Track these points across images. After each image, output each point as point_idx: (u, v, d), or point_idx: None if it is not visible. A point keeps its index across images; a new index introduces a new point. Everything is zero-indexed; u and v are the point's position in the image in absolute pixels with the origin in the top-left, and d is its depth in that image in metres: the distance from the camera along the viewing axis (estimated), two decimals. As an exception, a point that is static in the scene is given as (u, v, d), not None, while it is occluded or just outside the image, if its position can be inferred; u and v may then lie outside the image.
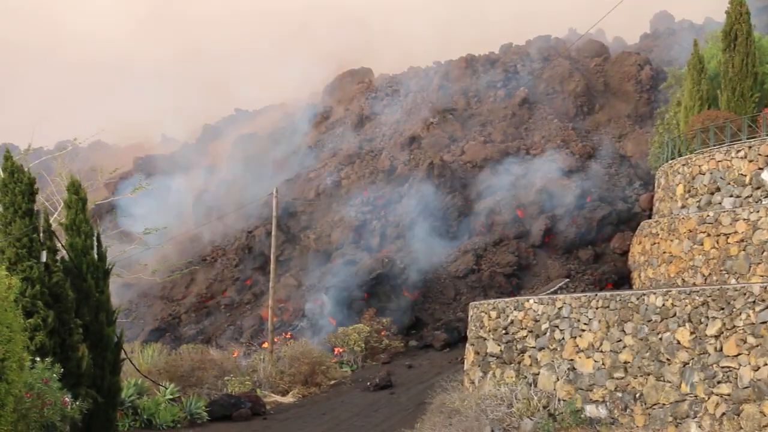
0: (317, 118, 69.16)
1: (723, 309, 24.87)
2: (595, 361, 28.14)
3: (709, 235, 35.44)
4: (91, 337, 25.97)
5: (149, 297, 56.13)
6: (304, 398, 38.78)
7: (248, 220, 57.76)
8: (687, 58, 46.84)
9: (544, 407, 28.16)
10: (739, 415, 23.94)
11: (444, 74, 68.61)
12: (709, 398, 24.78)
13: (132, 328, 51.54)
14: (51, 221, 28.23)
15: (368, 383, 39.51)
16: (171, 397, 34.23)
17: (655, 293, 27.06)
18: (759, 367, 23.73)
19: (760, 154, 35.81)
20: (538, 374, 29.68)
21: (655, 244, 40.75)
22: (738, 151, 36.82)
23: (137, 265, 45.08)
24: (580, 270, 49.93)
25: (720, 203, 37.23)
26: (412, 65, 72.36)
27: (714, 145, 39.03)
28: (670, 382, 25.85)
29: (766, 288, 24.09)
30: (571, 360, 28.81)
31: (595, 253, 51.24)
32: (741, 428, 23.84)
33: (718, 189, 37.54)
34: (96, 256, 27.01)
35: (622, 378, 27.25)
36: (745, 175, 36.28)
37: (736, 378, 24.20)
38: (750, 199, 35.85)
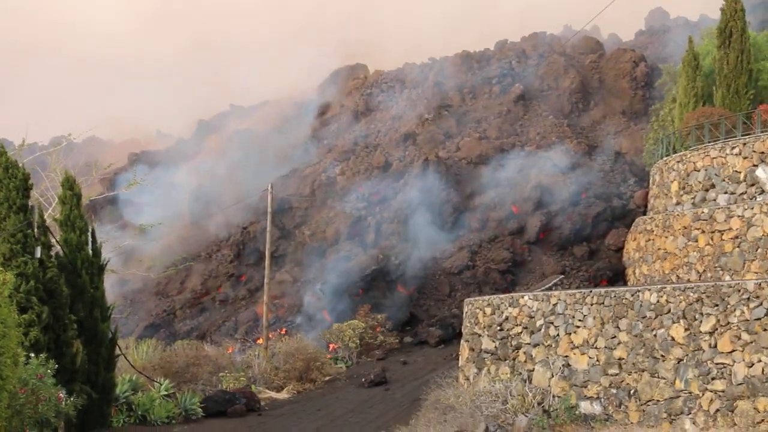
0: (313, 114, 69.14)
1: (717, 305, 24.92)
2: (590, 358, 28.17)
3: (703, 231, 35.49)
4: (85, 333, 25.97)
5: (144, 293, 56.10)
6: (298, 394, 38.79)
7: (243, 215, 57.74)
8: (682, 54, 46.84)
9: (539, 403, 28.19)
10: (733, 411, 23.99)
11: (439, 70, 68.60)
12: (703, 395, 24.83)
13: (127, 324, 51.49)
14: (45, 217, 28.17)
15: (363, 379, 39.51)
16: (165, 393, 34.21)
17: (649, 290, 27.10)
18: (753, 364, 23.78)
19: (754, 151, 35.85)
20: (532, 370, 29.71)
21: (649, 240, 40.80)
22: (733, 148, 36.87)
23: (133, 260, 45.05)
24: (575, 266, 49.96)
25: (714, 200, 37.27)
26: (415, 61, 72.36)
27: (709, 142, 39.06)
28: (664, 378, 25.90)
29: (760, 285, 24.14)
30: (566, 356, 28.84)
31: (590, 249, 51.26)
32: (735, 424, 23.89)
33: (713, 186, 37.58)
34: (90, 251, 26.98)
35: (617, 374, 27.29)
36: (740, 172, 36.32)
37: (730, 374, 24.25)
38: (744, 196, 35.90)
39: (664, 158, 42.60)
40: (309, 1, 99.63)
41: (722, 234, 34.49)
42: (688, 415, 25.11)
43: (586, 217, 51.78)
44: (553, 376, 29.02)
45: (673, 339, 25.86)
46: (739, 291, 24.50)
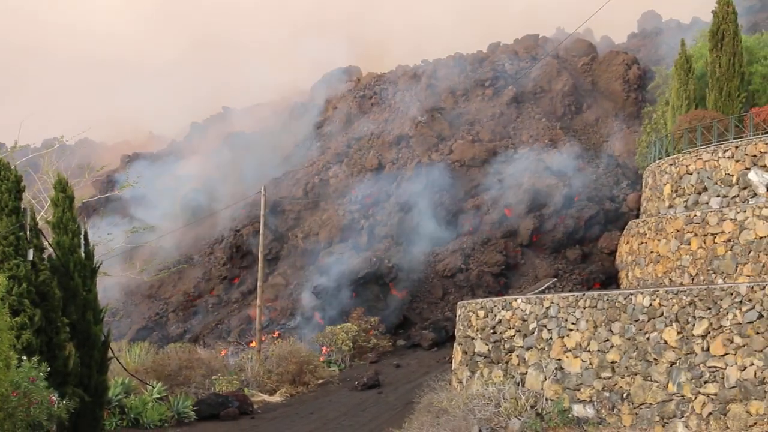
0: (306, 116, 69.11)
1: (710, 309, 24.96)
2: (583, 361, 28.20)
3: (696, 234, 35.56)
4: (78, 336, 25.87)
5: (136, 295, 56.01)
6: (291, 397, 38.75)
7: (236, 218, 57.68)
8: (674, 57, 46.95)
9: (532, 407, 28.21)
10: (725, 414, 24.03)
11: (432, 73, 68.62)
12: (696, 398, 24.87)
13: (119, 326, 51.39)
14: (38, 219, 28.09)
15: (356, 382, 39.49)
16: (158, 396, 34.14)
17: (642, 293, 27.14)
18: (745, 367, 23.83)
19: (747, 154, 35.92)
20: (525, 374, 29.72)
21: (642, 243, 40.85)
22: (725, 151, 36.95)
23: (128, 262, 44.96)
24: (568, 269, 50.01)
25: (707, 203, 37.35)
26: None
27: (701, 145, 39.14)
28: (657, 381, 25.93)
29: (752, 288, 24.18)
30: (559, 359, 28.86)
31: (583, 252, 51.33)
32: (727, 428, 23.93)
33: (705, 189, 37.65)
34: (83, 254, 26.90)
35: (610, 378, 27.31)
36: (732, 175, 36.40)
37: (723, 378, 24.29)
38: (737, 199, 35.97)
39: (657, 161, 42.68)
40: (310, 1, 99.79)
41: (715, 237, 34.56)
42: (680, 418, 25.14)
43: (578, 220, 51.84)
44: (546, 380, 29.04)
45: (665, 342, 25.90)
46: (732, 294, 24.55)
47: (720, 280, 33.44)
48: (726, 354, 24.36)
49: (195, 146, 72.67)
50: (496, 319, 31.21)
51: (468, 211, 53.30)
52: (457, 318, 33.46)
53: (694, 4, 68.46)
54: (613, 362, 27.32)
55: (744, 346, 23.98)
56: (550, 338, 29.28)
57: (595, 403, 27.54)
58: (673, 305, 25.88)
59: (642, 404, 26.22)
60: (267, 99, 77.11)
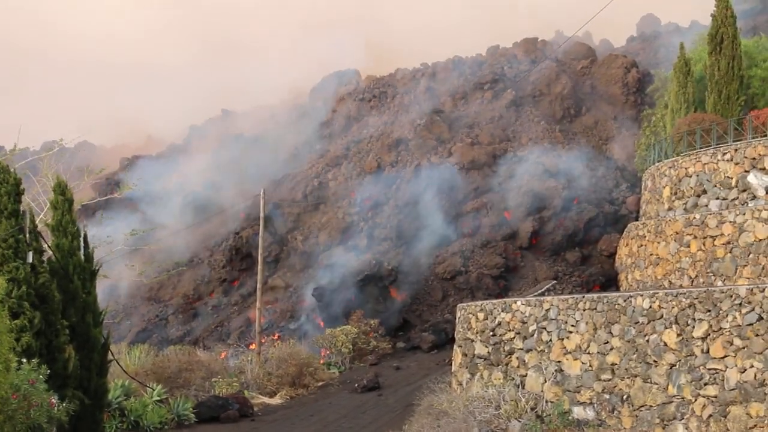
0: (306, 119, 69.15)
1: (710, 311, 24.97)
2: (583, 363, 28.20)
3: (695, 237, 35.57)
4: (77, 339, 25.85)
5: (136, 298, 56.01)
6: (291, 400, 38.73)
7: (235, 221, 57.71)
8: (673, 60, 46.98)
9: (532, 409, 28.20)
10: (725, 416, 24.03)
11: (431, 76, 68.67)
12: (696, 400, 24.87)
13: (119, 329, 51.39)
14: (37, 222, 28.08)
15: (356, 385, 39.48)
16: (158, 398, 34.12)
17: (642, 295, 27.15)
18: (745, 369, 23.83)
19: (746, 157, 35.95)
20: (525, 376, 29.72)
21: (642, 246, 40.87)
22: (724, 154, 36.97)
23: (127, 266, 44.94)
24: (568, 272, 50.02)
25: (706, 205, 37.37)
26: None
27: (700, 148, 39.16)
28: (657, 383, 25.94)
29: (752, 290, 24.20)
30: (559, 362, 28.86)
31: (583, 255, 51.34)
32: (728, 430, 23.94)
33: (705, 191, 37.68)
34: (83, 256, 26.89)
35: (610, 380, 27.32)
36: (732, 178, 36.43)
37: (723, 380, 24.30)
38: (736, 202, 36.00)
39: (656, 164, 42.70)
40: (312, 3, 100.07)
41: (714, 239, 34.58)
42: (680, 420, 25.15)
43: (578, 222, 51.86)
44: (545, 382, 29.04)
45: (665, 344, 25.91)
46: (732, 296, 24.56)
47: (719, 283, 33.45)
48: (726, 356, 24.37)
49: (194, 149, 72.69)
50: (496, 322, 31.21)
51: (468, 214, 53.32)
52: (457, 320, 33.46)
53: (693, 8, 68.59)
54: (612, 364, 27.32)
55: (744, 348, 23.99)
56: (550, 340, 29.28)
57: (595, 405, 27.54)
58: (673, 307, 25.89)
59: (642, 406, 26.22)
60: (266, 102, 77.21)
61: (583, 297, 29.07)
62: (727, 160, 36.74)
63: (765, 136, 37.47)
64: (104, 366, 27.42)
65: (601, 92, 64.27)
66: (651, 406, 25.96)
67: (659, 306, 26.32)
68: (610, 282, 47.42)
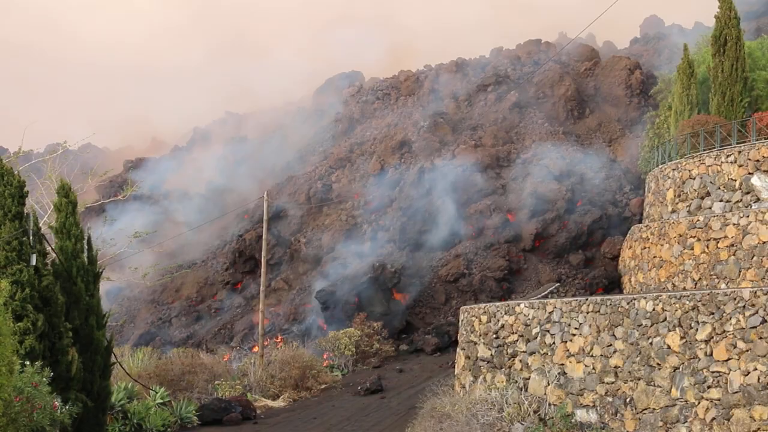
0: (308, 121, 69.21)
1: (713, 314, 24.92)
2: (586, 366, 28.16)
3: (699, 239, 35.52)
4: (81, 341, 25.87)
5: (139, 300, 56.05)
6: (294, 402, 38.73)
7: (239, 223, 57.73)
8: (677, 62, 46.94)
9: (535, 412, 28.17)
10: (729, 419, 23.98)
11: (434, 78, 68.69)
12: (699, 403, 24.82)
13: (122, 331, 51.41)
14: (41, 224, 28.12)
15: (359, 387, 39.47)
16: (161, 401, 34.14)
17: (645, 298, 27.11)
18: (749, 372, 23.78)
19: (749, 159, 35.90)
20: (528, 379, 29.68)
21: (645, 248, 40.82)
22: (728, 156, 36.92)
23: (128, 268, 44.99)
24: (571, 274, 49.99)
25: (710, 208, 37.32)
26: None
27: (704, 150, 39.12)
28: (660, 386, 25.89)
29: (756, 293, 24.15)
30: (562, 364, 28.83)
31: (586, 257, 51.30)
32: (731, 433, 23.88)
33: (708, 194, 37.63)
34: (86, 259, 26.91)
35: (613, 382, 27.27)
36: (735, 180, 36.37)
37: (726, 383, 24.25)
38: (740, 204, 35.95)
39: (660, 166, 42.65)
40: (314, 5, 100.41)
41: (718, 242, 34.52)
42: (684, 423, 25.10)
43: (581, 224, 51.82)
44: (549, 384, 29.00)
45: (668, 347, 25.86)
46: (735, 299, 24.51)
47: (723, 285, 33.40)
48: (729, 359, 24.31)
49: (197, 151, 72.79)
50: (499, 324, 31.18)
51: (471, 216, 53.31)
52: (460, 323, 33.44)
53: (697, 10, 68.69)
54: (616, 367, 27.28)
55: (747, 351, 23.94)
56: (553, 343, 29.25)
57: (598, 408, 27.50)
58: (676, 310, 25.85)
59: (645, 409, 26.18)
60: (270, 104, 77.33)
61: (587, 299, 29.03)
62: (731, 163, 36.69)
63: (769, 138, 37.44)
64: (107, 368, 27.45)
65: (605, 94, 64.24)
66: (654, 409, 25.92)
67: (663, 308, 26.28)
68: (613, 284, 47.40)
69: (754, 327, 23.92)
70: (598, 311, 28.15)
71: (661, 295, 26.76)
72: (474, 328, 32.07)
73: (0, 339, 19.06)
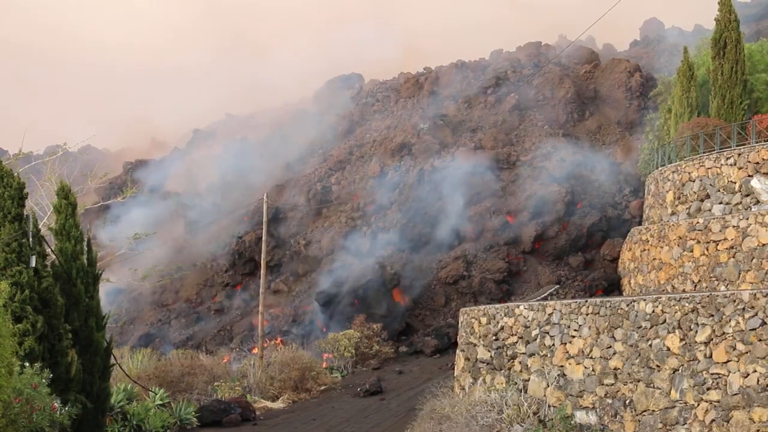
0: (308, 123, 69.21)
1: (712, 316, 24.93)
2: (585, 368, 28.16)
3: (698, 242, 35.53)
4: (80, 343, 25.87)
5: (139, 302, 56.04)
6: (294, 404, 38.72)
7: (238, 225, 57.72)
8: (677, 65, 46.96)
9: (534, 413, 28.16)
10: (728, 421, 23.98)
11: (434, 80, 68.70)
12: (698, 405, 24.82)
13: (122, 333, 51.40)
14: (40, 226, 28.12)
15: (358, 389, 39.47)
16: (161, 402, 34.12)
17: (644, 300, 27.11)
18: (748, 374, 23.78)
19: (749, 162, 35.91)
20: (528, 380, 29.68)
21: (645, 250, 40.83)
22: (727, 159, 36.94)
23: (128, 270, 45.02)
24: (570, 276, 49.99)
25: (710, 210, 37.33)
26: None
27: (704, 153, 39.13)
28: (659, 388, 25.89)
29: (755, 295, 24.15)
30: (561, 366, 28.83)
31: (585, 259, 51.31)
32: (730, 435, 23.88)
33: (708, 196, 37.64)
34: (86, 261, 26.92)
35: (612, 384, 27.27)
36: (735, 183, 36.39)
37: (726, 385, 24.25)
38: (739, 206, 35.96)
39: (660, 168, 42.67)
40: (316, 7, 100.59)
41: (717, 244, 34.53)
42: (683, 425, 25.10)
43: (581, 227, 51.84)
44: (548, 386, 29.00)
45: (668, 349, 25.87)
46: (735, 301, 24.52)
47: (723, 287, 33.40)
48: (729, 361, 24.31)
49: (196, 153, 72.79)
50: (499, 326, 31.19)
51: (470, 218, 53.33)
52: (460, 325, 33.44)
53: (697, 12, 68.79)
54: (615, 369, 27.28)
55: (747, 353, 23.94)
56: (553, 345, 29.25)
57: (598, 410, 27.50)
58: (676, 312, 25.86)
59: (645, 411, 26.18)
60: (270, 105, 77.37)
61: (586, 301, 29.03)
62: (731, 165, 36.71)
63: (768, 140, 37.46)
64: (107, 370, 27.44)
65: (605, 96, 64.26)
66: (654, 410, 25.92)
67: (662, 310, 26.28)
68: (613, 286, 47.41)
69: (754, 329, 23.92)
70: (598, 313, 28.15)
71: (660, 297, 26.76)
72: (474, 330, 32.08)
73: (0, 340, 19.06)
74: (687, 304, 25.63)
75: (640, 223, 47.19)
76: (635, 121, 61.12)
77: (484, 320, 31.80)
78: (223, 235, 58.08)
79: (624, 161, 57.40)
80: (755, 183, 35.60)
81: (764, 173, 35.41)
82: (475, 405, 28.74)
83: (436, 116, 62.66)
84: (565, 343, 28.89)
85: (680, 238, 36.80)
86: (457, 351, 33.25)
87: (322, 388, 40.77)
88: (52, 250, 26.32)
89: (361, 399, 38.30)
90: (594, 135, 61.21)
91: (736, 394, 23.95)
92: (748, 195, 35.79)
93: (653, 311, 26.52)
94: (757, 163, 35.67)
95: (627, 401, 26.76)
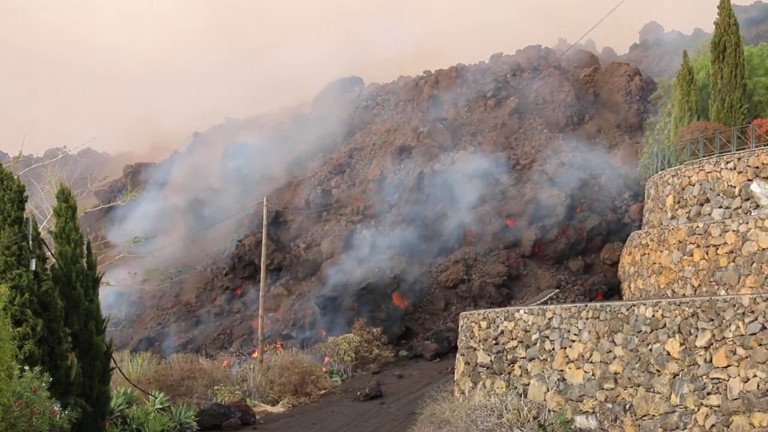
0: (308, 127, 69.24)
1: (713, 320, 24.91)
2: (585, 372, 28.14)
3: (698, 246, 35.53)
4: (80, 346, 25.84)
5: (139, 305, 56.02)
6: (293, 408, 38.68)
7: (238, 229, 57.72)
8: (676, 68, 46.98)
9: (534, 418, 28.14)
10: (728, 426, 23.96)
11: (434, 83, 68.72)
12: (698, 410, 24.80)
13: (121, 336, 51.37)
14: (40, 229, 28.09)
15: (358, 393, 39.43)
16: (160, 406, 34.08)
17: (644, 304, 27.10)
18: (748, 379, 23.77)
19: (749, 166, 35.92)
20: (528, 385, 29.66)
21: (644, 254, 40.82)
22: (727, 163, 36.94)
23: (128, 274, 45.01)
24: (570, 280, 49.99)
25: (709, 214, 37.32)
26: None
27: (703, 156, 39.15)
28: (660, 393, 25.87)
29: (755, 299, 24.14)
30: (561, 371, 28.81)
31: (585, 263, 51.30)
32: (730, 439, 23.87)
33: (708, 200, 37.64)
34: (85, 264, 26.89)
35: (612, 389, 27.25)
36: (735, 187, 36.39)
37: (726, 389, 24.23)
38: (739, 211, 35.96)
39: (659, 172, 42.68)
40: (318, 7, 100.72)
41: (717, 248, 34.53)
42: (683, 430, 25.08)
43: (581, 231, 51.83)
44: (548, 391, 28.98)
45: (668, 353, 25.85)
46: (735, 306, 24.50)
47: (723, 292, 33.40)
48: (729, 365, 24.30)
49: (196, 156, 72.82)
50: (499, 330, 31.17)
51: (470, 222, 53.34)
52: (460, 329, 33.42)
53: (696, 16, 68.90)
54: (615, 373, 27.26)
55: (747, 357, 23.93)
56: (553, 349, 29.23)
57: (598, 414, 27.48)
58: (676, 316, 25.84)
59: (645, 416, 26.16)
60: (269, 109, 77.42)
61: (586, 306, 29.02)
62: (730, 169, 36.71)
63: (768, 144, 37.48)
64: (106, 374, 27.40)
65: (604, 100, 64.31)
66: (654, 415, 25.90)
67: (662, 315, 26.27)
68: (612, 291, 47.41)
69: (754, 334, 23.91)
70: (598, 317, 28.14)
71: (660, 302, 26.75)
72: (473, 334, 32.06)
73: (0, 344, 19.05)
74: (687, 309, 25.62)
75: (640, 227, 47.19)
76: (635, 125, 61.14)
77: (484, 324, 31.78)
78: (224, 239, 58.08)
79: (624, 165, 57.45)
80: (755, 187, 35.60)
81: (764, 177, 35.41)
82: (475, 409, 28.72)
83: (436, 119, 62.69)
84: (565, 348, 28.87)
85: (680, 242, 36.80)
86: (457, 355, 33.23)
87: (322, 392, 40.74)
88: (51, 254, 26.31)
89: (360, 403, 38.27)
90: (594, 139, 61.25)
91: (736, 398, 23.93)
92: (747, 199, 35.79)
93: (653, 315, 26.51)
94: (757, 167, 35.67)
95: (627, 406, 26.74)
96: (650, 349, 26.35)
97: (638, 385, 26.49)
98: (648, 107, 60.99)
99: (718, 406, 24.31)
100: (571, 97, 63.13)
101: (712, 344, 24.83)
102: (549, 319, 29.66)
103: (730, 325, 24.47)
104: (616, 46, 77.57)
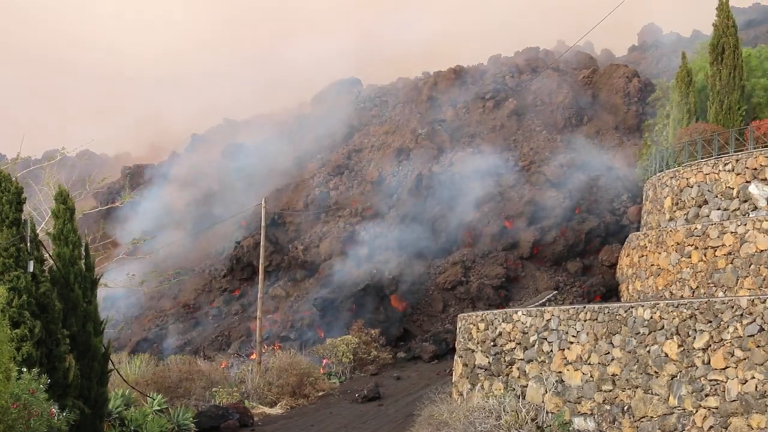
0: (306, 128, 69.24)
1: (711, 322, 24.92)
2: (584, 374, 28.15)
3: (696, 247, 35.54)
4: (78, 348, 25.83)
5: (137, 307, 55.99)
6: (292, 409, 38.67)
7: (236, 230, 57.70)
8: (675, 70, 47.01)
9: (533, 419, 28.14)
10: (726, 428, 23.97)
11: (433, 85, 68.73)
12: (696, 411, 24.81)
13: (119, 338, 51.33)
14: (38, 231, 28.06)
15: (356, 395, 39.42)
16: (158, 408, 34.06)
17: (643, 306, 27.11)
18: (746, 380, 23.78)
19: (747, 167, 35.94)
20: (526, 386, 29.67)
21: (643, 256, 40.84)
22: (725, 164, 36.96)
23: (126, 275, 44.97)
24: (569, 282, 50.00)
25: (708, 216, 37.35)
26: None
27: (702, 158, 39.17)
28: (658, 394, 25.88)
29: (753, 301, 24.15)
30: (560, 372, 28.82)
31: (584, 265, 51.31)
32: (728, 441, 23.88)
33: (706, 202, 37.66)
34: (84, 266, 26.88)
35: (611, 390, 27.26)
36: (733, 188, 36.41)
37: (724, 391, 24.24)
38: (737, 212, 35.98)
39: (658, 174, 42.69)
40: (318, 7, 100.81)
41: (715, 250, 34.55)
42: (681, 431, 25.09)
43: (579, 232, 51.84)
44: (546, 392, 28.98)
45: (666, 355, 25.86)
46: (733, 307, 24.52)
47: (721, 294, 33.41)
48: (727, 367, 24.31)
49: (195, 158, 72.79)
50: (497, 332, 31.17)
51: (468, 224, 53.34)
52: (458, 330, 33.42)
53: (695, 18, 68.99)
54: (613, 375, 27.27)
55: (745, 359, 23.94)
56: (551, 351, 29.24)
57: (596, 416, 27.48)
58: (674, 318, 25.85)
59: (643, 417, 26.16)
60: (268, 110, 77.41)
61: (584, 307, 29.03)
62: (729, 171, 36.73)
63: (766, 146, 37.48)
64: (104, 375, 27.38)
65: (603, 102, 64.33)
66: (652, 417, 25.91)
67: (660, 317, 26.28)
68: (611, 292, 47.41)
69: (752, 335, 23.93)
70: (596, 319, 28.14)
71: (658, 303, 26.76)
72: (472, 336, 32.06)
73: (-3, 346, 19.05)
74: (685, 311, 25.63)
75: (638, 229, 47.20)
76: (634, 127, 61.17)
77: (482, 326, 31.78)
78: (222, 240, 58.05)
79: (622, 167, 57.47)
80: (753, 189, 35.62)
81: (762, 179, 35.44)
82: (473, 411, 28.72)
83: (435, 121, 62.69)
84: (563, 349, 28.88)
85: (678, 244, 36.82)
86: (455, 357, 33.23)
87: (320, 393, 40.73)
88: (49, 255, 26.28)
89: (359, 405, 38.26)
90: (592, 140, 61.27)
91: (734, 400, 23.94)
92: (745, 201, 35.81)
93: (651, 317, 26.52)
94: (755, 169, 35.69)
95: (625, 407, 26.75)
96: (648, 351, 26.36)
97: (636, 387, 26.50)
98: (647, 109, 61.02)
99: (716, 408, 24.32)
100: (570, 98, 63.15)
101: (710, 346, 24.84)
102: (547, 320, 29.66)
103: (728, 326, 24.48)
104: (615, 48, 77.64)
